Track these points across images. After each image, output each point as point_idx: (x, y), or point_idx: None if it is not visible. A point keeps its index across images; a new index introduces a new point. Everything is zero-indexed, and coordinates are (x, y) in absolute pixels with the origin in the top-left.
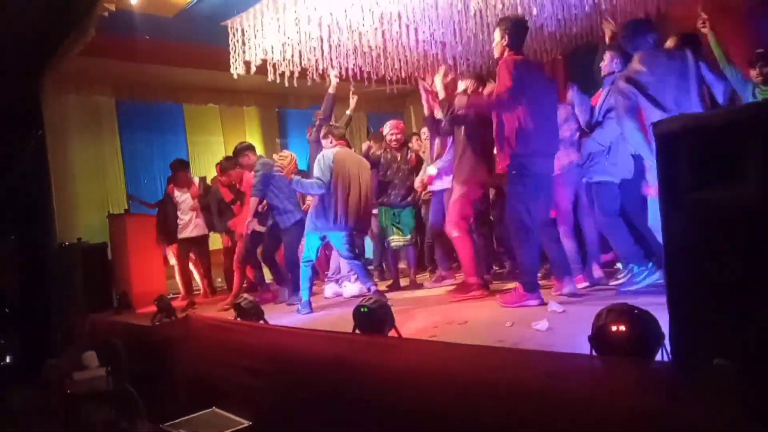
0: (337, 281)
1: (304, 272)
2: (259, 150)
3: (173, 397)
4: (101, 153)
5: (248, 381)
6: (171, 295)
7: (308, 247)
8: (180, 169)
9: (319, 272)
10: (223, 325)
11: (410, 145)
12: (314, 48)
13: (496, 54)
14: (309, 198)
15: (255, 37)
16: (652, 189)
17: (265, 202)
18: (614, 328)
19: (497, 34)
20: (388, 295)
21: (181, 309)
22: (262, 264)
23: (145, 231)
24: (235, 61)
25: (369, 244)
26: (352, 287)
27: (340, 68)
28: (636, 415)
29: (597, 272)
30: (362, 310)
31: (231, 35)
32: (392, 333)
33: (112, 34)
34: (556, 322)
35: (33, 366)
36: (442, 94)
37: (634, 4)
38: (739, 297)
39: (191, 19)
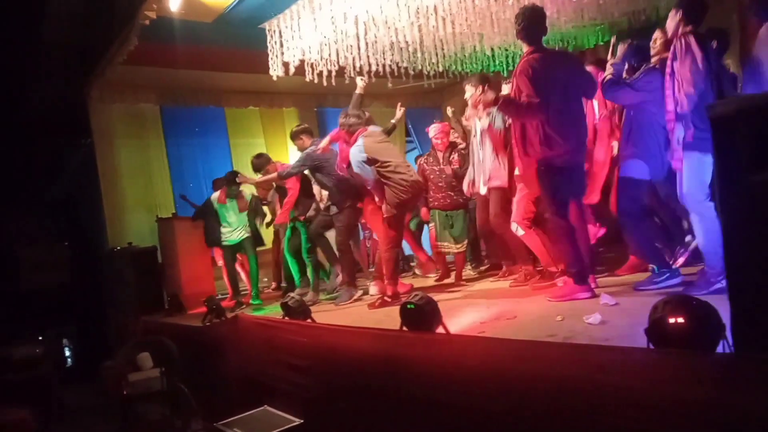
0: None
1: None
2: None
3: (226, 395)
4: (148, 158)
5: (297, 379)
6: (220, 296)
7: None
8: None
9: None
10: (272, 325)
11: (457, 144)
12: (351, 46)
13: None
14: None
15: (292, 38)
16: (676, 161)
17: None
18: (672, 320)
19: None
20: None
21: (229, 309)
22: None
23: (193, 234)
24: (274, 62)
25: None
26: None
27: (377, 65)
28: (698, 409)
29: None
30: (409, 306)
31: (269, 37)
32: (440, 329)
33: (153, 41)
34: (609, 314)
35: (89, 367)
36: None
37: None
38: None
39: (229, 23)
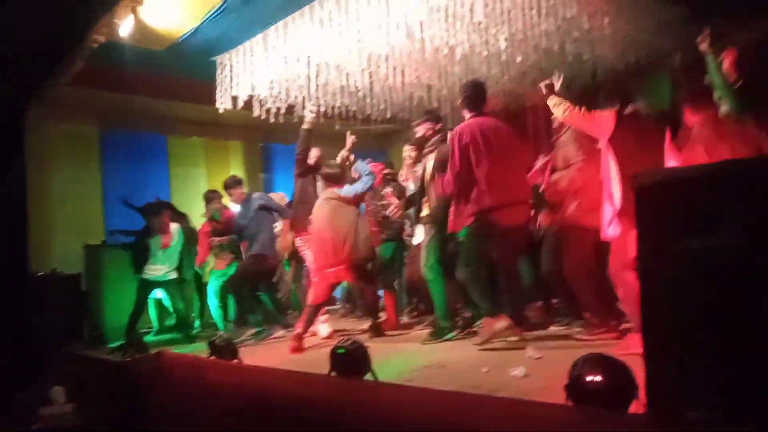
0: None
1: None
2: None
3: None
4: (81, 181)
5: (222, 422)
6: (145, 330)
7: None
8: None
9: None
10: (197, 363)
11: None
12: (301, 86)
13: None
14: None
15: (243, 72)
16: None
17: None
18: (590, 378)
19: None
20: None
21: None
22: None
23: (121, 264)
24: (222, 95)
25: None
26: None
27: (327, 107)
28: None
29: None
30: (339, 351)
31: (219, 70)
32: (369, 376)
33: (100, 64)
34: (533, 368)
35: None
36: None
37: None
38: (715, 350)
39: (181, 52)
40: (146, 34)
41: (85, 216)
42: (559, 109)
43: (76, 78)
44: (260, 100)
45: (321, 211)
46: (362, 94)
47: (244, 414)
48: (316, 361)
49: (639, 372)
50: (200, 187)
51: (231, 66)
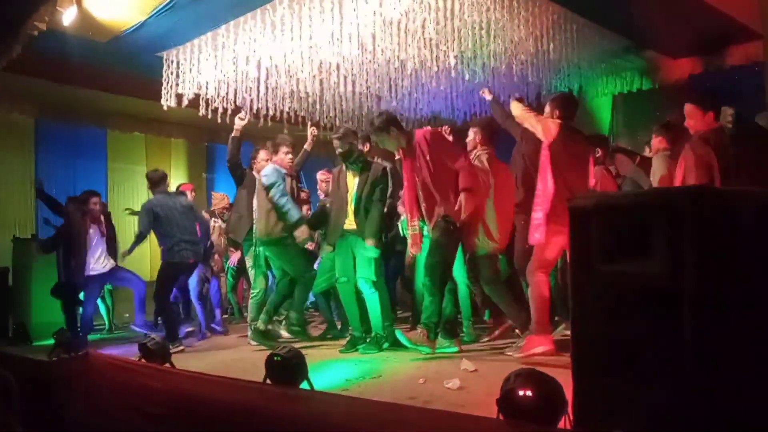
0: None
1: None
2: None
3: None
4: (13, 173)
5: (148, 428)
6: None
7: None
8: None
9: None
10: (126, 366)
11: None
12: (250, 88)
13: None
14: None
15: (190, 71)
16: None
17: None
18: (521, 393)
19: None
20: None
21: None
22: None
23: (52, 259)
24: (167, 92)
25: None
26: None
27: (275, 110)
28: None
29: None
30: (275, 358)
31: (166, 66)
32: (305, 384)
33: (38, 52)
34: (468, 380)
35: None
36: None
37: None
38: (639, 368)
39: (125, 46)
40: (90, 25)
41: (14, 208)
42: (517, 108)
43: (12, 65)
44: (206, 100)
45: None
46: (312, 100)
47: (169, 420)
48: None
49: (569, 388)
50: (140, 184)
51: (177, 63)
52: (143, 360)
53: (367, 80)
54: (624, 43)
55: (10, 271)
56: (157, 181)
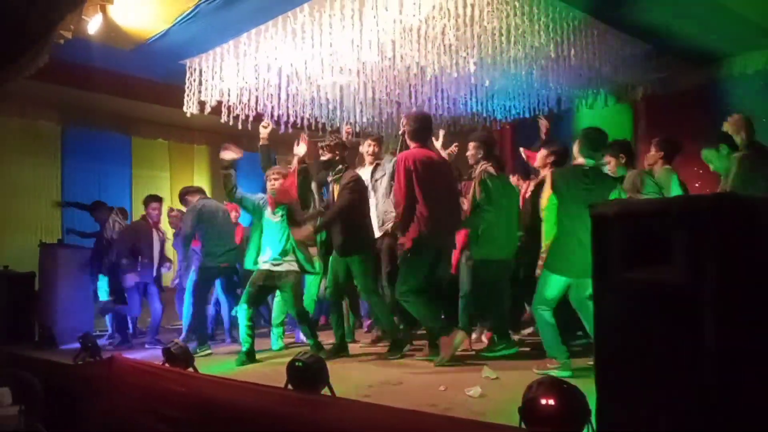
0: None
1: None
2: (207, 189)
3: None
4: (39, 178)
5: (169, 431)
6: (97, 333)
7: None
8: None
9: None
10: (150, 370)
11: None
12: (271, 95)
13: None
14: None
15: (212, 78)
16: None
17: None
18: (543, 402)
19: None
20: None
21: None
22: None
23: (77, 264)
24: (190, 99)
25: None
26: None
27: (296, 117)
28: None
29: None
30: (296, 364)
31: (189, 74)
32: (326, 390)
33: (65, 60)
34: (489, 388)
35: None
36: None
37: None
38: (662, 375)
39: (149, 54)
40: (115, 33)
41: (40, 213)
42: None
43: (39, 73)
44: (229, 107)
45: None
46: (332, 106)
47: (191, 423)
48: (273, 373)
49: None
50: (163, 190)
51: (200, 71)
52: (167, 364)
53: (386, 86)
54: (645, 48)
55: (37, 275)
56: (194, 191)
